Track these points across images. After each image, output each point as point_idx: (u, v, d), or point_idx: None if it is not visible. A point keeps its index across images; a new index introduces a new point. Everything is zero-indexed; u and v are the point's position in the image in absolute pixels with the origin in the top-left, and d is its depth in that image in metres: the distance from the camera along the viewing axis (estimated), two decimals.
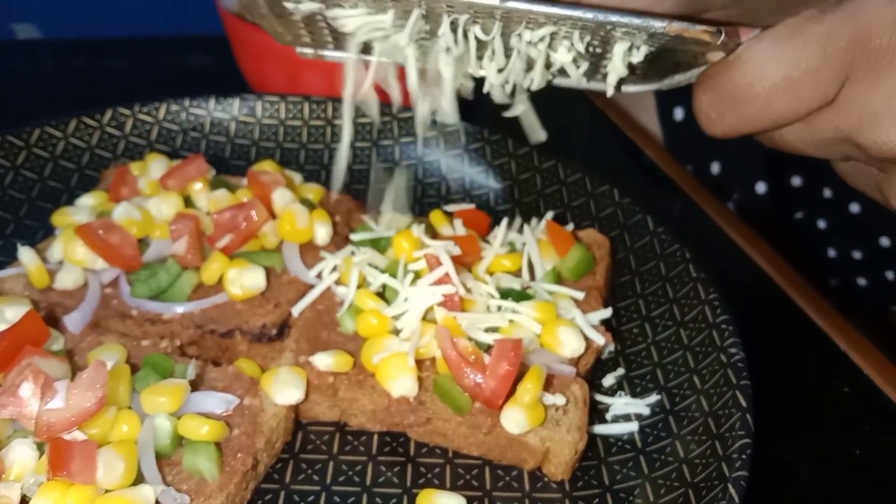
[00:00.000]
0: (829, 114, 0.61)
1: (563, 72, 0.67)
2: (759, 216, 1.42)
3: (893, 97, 0.58)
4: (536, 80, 0.66)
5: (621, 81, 0.66)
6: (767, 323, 0.99)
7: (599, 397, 0.82)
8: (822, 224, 1.42)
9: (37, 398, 0.64)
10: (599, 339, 0.82)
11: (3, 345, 0.69)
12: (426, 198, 1.13)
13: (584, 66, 0.66)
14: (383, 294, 0.84)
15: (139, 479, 0.64)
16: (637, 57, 0.62)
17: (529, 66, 0.67)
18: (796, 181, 1.43)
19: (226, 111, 1.17)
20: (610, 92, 0.67)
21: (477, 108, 1.35)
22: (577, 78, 0.67)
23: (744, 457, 0.69)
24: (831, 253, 1.43)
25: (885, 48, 0.57)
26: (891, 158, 0.61)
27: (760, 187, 1.47)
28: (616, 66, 0.63)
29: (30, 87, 1.43)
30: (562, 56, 0.63)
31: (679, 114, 1.47)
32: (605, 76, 0.67)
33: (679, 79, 0.67)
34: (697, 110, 0.65)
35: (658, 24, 0.57)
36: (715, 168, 1.48)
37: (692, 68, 0.64)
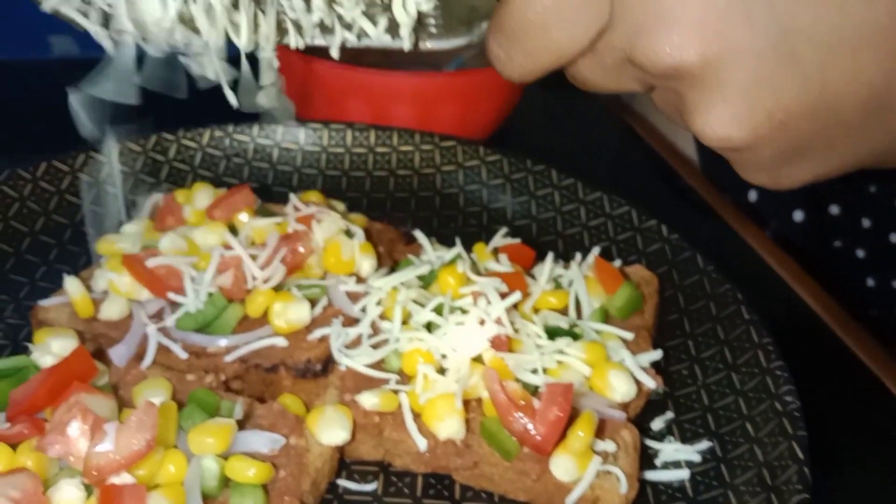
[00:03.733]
0: (607, 35, 0.57)
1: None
2: (797, 245, 1.40)
3: (659, 2, 0.54)
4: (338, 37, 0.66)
5: (424, 37, 0.65)
6: (810, 359, 0.96)
7: (648, 442, 0.81)
8: (860, 253, 1.39)
9: (85, 437, 0.64)
10: (650, 383, 0.80)
11: (52, 380, 0.69)
12: (467, 227, 1.12)
13: (383, 22, 0.65)
14: (429, 329, 0.82)
15: None
16: (425, 3, 0.60)
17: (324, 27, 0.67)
18: (834, 210, 1.40)
19: (269, 137, 1.17)
20: (406, 45, 0.66)
21: (519, 137, 1.35)
22: (377, 36, 0.66)
23: None
24: (870, 282, 1.40)
25: None
26: (668, 72, 0.56)
27: (798, 216, 1.44)
28: (400, 14, 0.62)
29: (66, 109, 1.44)
30: (347, 7, 0.62)
31: None
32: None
33: (485, 27, 0.64)
34: (489, 55, 0.62)
35: None
36: (752, 196, 1.46)
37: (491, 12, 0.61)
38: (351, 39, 0.71)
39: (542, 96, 1.37)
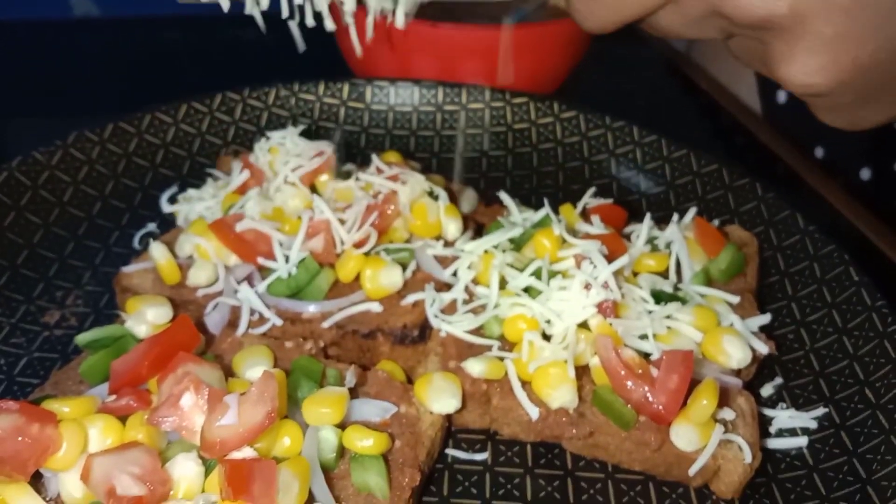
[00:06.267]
0: None
1: None
2: (864, 203, 1.36)
3: None
4: None
5: None
6: None
7: (760, 409, 0.78)
8: None
9: (200, 410, 0.61)
10: (763, 348, 0.77)
11: (156, 351, 0.67)
12: (542, 187, 1.08)
13: None
14: (528, 294, 0.79)
15: (310, 499, 0.61)
16: None
17: None
18: None
19: (335, 97, 1.13)
20: None
21: (578, 90, 1.30)
22: None
23: None
24: None
25: None
26: (757, 23, 0.60)
27: (865, 173, 1.41)
28: None
29: (129, 69, 1.40)
30: None
31: (782, 97, 1.42)
32: None
33: None
34: (571, 8, 0.68)
35: None
36: (819, 153, 1.43)
37: None
38: None
39: (599, 48, 1.32)
